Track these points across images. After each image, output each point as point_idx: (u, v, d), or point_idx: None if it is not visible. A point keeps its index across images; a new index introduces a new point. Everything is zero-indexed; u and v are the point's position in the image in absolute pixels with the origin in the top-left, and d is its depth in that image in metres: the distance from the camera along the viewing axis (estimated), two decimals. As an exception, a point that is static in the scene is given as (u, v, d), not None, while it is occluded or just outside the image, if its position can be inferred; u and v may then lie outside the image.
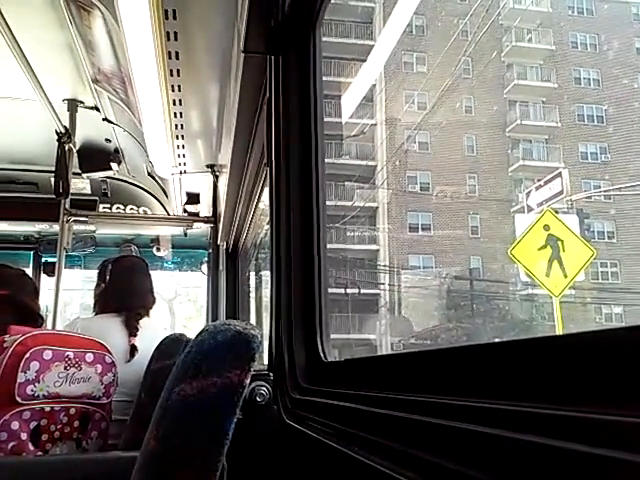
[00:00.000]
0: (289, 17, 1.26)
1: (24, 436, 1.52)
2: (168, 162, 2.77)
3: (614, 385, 0.35)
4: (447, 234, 16.95)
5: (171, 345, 1.82)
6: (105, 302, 2.29)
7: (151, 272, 2.46)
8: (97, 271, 2.43)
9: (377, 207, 17.92)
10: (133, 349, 2.15)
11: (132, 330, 2.19)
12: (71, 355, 1.62)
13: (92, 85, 2.58)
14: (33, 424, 1.55)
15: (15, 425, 1.50)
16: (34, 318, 1.93)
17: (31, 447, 1.54)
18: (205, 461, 0.74)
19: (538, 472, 0.37)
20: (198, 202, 3.29)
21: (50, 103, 2.64)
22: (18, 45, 2.15)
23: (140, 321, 2.23)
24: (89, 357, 1.68)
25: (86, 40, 2.22)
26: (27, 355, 1.52)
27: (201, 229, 3.43)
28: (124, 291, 2.30)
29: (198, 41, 1.83)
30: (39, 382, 1.54)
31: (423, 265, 17.09)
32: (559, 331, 5.90)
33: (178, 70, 1.97)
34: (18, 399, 1.50)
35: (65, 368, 1.60)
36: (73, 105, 2.84)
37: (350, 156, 18.08)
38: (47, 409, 1.58)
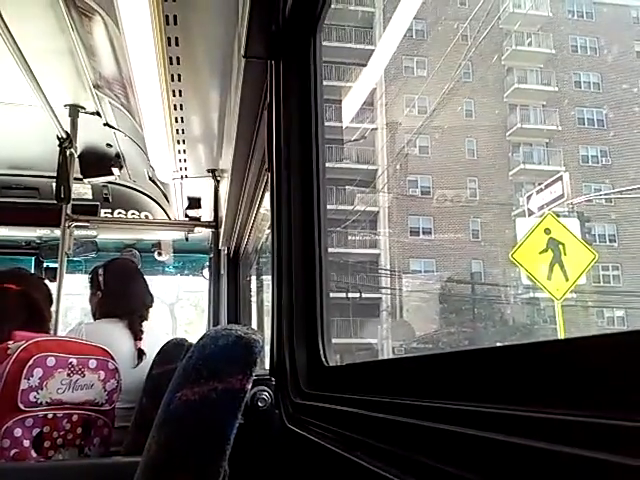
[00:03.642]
0: (289, 22, 1.27)
1: (26, 443, 1.52)
2: (169, 167, 2.77)
3: (615, 389, 0.35)
4: (448, 238, 16.95)
5: (172, 350, 1.82)
6: (105, 309, 2.28)
7: (153, 277, 2.46)
8: (89, 279, 2.41)
9: (378, 211, 17.94)
10: (141, 353, 2.15)
11: (137, 334, 2.19)
12: (74, 362, 1.62)
13: (93, 90, 2.59)
14: (36, 431, 1.54)
15: (18, 432, 1.50)
16: (43, 322, 1.91)
17: (33, 454, 1.53)
18: (207, 466, 0.74)
19: (540, 477, 0.37)
20: (199, 207, 3.28)
21: (51, 108, 2.65)
22: (19, 51, 2.15)
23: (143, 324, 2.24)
24: (92, 363, 1.67)
25: (87, 46, 2.23)
26: (30, 362, 1.51)
27: (202, 234, 3.42)
28: (123, 296, 2.29)
29: (199, 46, 1.84)
30: (42, 389, 1.53)
31: (424, 269, 17.09)
32: (561, 334, 5.89)
33: (179, 75, 1.98)
34: (21, 406, 1.49)
35: (68, 375, 1.60)
36: (74, 110, 2.84)
37: (351, 160, 18.10)
38: (50, 416, 1.57)
